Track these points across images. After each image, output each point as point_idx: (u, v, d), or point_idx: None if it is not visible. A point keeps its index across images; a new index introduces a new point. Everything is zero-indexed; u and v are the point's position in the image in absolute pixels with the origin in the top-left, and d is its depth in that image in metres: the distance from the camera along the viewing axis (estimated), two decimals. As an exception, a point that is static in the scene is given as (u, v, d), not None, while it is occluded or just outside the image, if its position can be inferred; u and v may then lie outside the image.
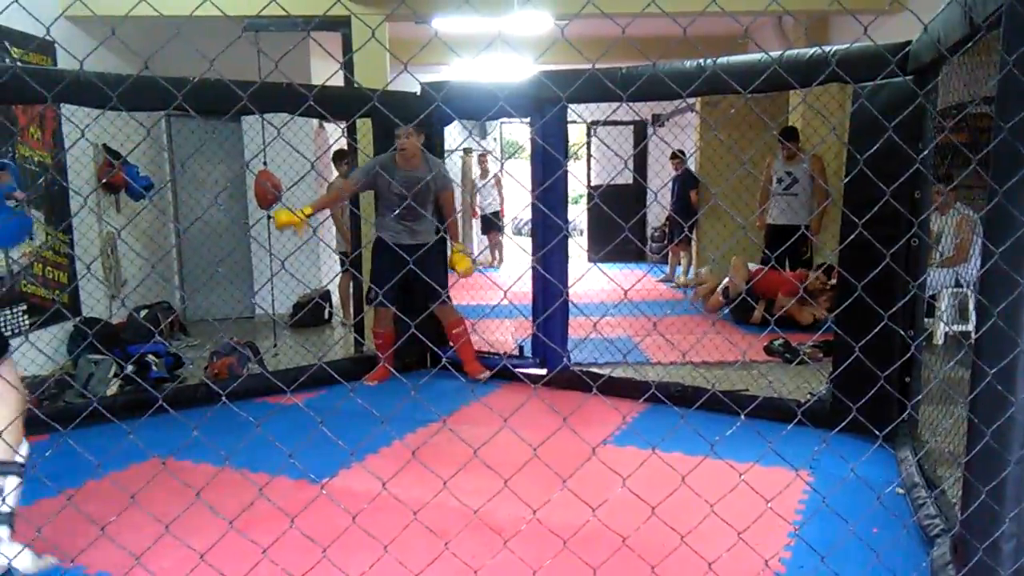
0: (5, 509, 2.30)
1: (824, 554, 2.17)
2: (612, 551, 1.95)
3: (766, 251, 6.59)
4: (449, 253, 4.78)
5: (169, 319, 5.92)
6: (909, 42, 3.27)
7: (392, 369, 4.69)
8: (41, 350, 4.74)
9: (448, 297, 4.64)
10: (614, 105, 5.16)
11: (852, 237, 3.15)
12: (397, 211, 4.49)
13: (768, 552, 2.41)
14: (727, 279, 6.88)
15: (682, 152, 8.66)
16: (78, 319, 5.28)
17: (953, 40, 2.64)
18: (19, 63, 4.69)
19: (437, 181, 4.53)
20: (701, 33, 8.36)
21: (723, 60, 3.67)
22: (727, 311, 6.73)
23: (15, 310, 4.78)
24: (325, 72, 7.03)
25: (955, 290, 5.47)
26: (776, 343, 5.37)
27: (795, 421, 2.97)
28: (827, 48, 3.55)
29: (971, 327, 4.77)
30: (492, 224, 11.30)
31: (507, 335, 5.89)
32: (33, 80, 3.41)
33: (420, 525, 2.49)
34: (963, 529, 1.59)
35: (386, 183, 4.42)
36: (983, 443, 1.48)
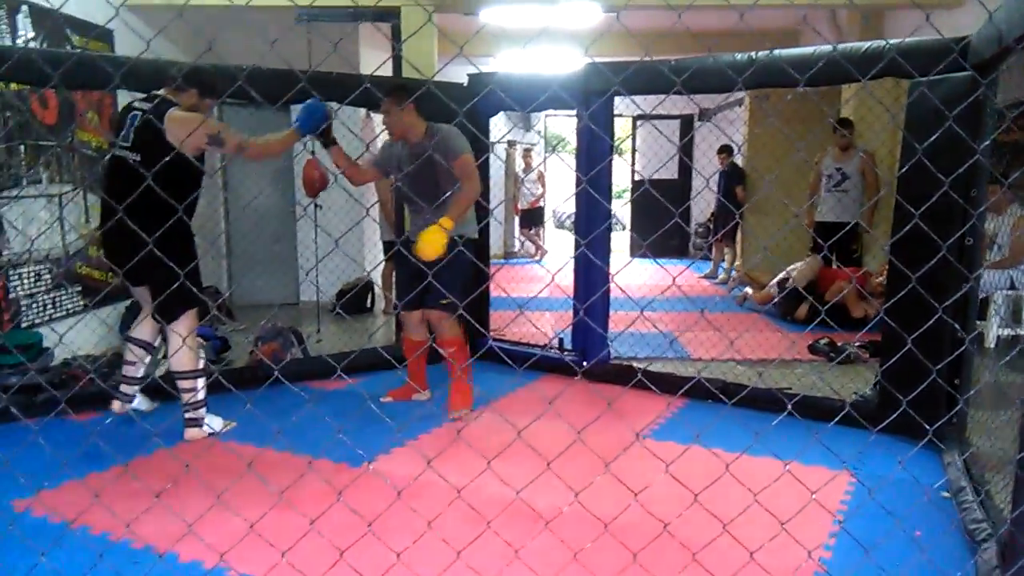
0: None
1: (868, 551, 2.14)
2: (652, 537, 1.95)
3: (815, 248, 6.50)
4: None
5: (217, 303, 6.04)
6: (967, 36, 3.20)
7: (417, 387, 4.18)
8: (96, 328, 4.89)
9: (453, 307, 3.70)
10: (661, 98, 5.13)
11: (905, 232, 3.10)
12: (409, 198, 3.99)
13: (811, 546, 2.39)
14: (785, 272, 6.78)
15: (729, 147, 8.57)
16: (130, 301, 5.42)
17: (1016, 35, 2.57)
18: (79, 50, 4.83)
19: (439, 148, 3.58)
20: (753, 26, 8.26)
21: (777, 52, 3.63)
22: (775, 301, 6.64)
23: (70, 291, 4.93)
24: (374, 62, 7.10)
25: (1009, 292, 5.33)
26: (821, 342, 5.29)
27: (841, 417, 2.94)
28: (881, 42, 3.48)
29: (1025, 330, 4.66)
30: (534, 218, 11.33)
31: (547, 327, 5.89)
32: (97, 66, 3.51)
33: (462, 506, 2.52)
34: (1013, 528, 1.56)
35: (394, 165, 3.96)
36: (1038, 442, 1.45)
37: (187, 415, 3.55)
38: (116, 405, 3.71)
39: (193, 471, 2.83)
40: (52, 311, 4.76)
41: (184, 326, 3.47)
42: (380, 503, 2.27)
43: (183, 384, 3.50)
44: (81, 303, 5.01)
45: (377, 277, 7.22)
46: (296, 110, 3.68)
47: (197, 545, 2.30)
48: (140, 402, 3.82)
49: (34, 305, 4.62)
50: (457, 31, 8.14)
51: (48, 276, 4.73)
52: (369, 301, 7.08)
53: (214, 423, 3.64)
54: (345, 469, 3.19)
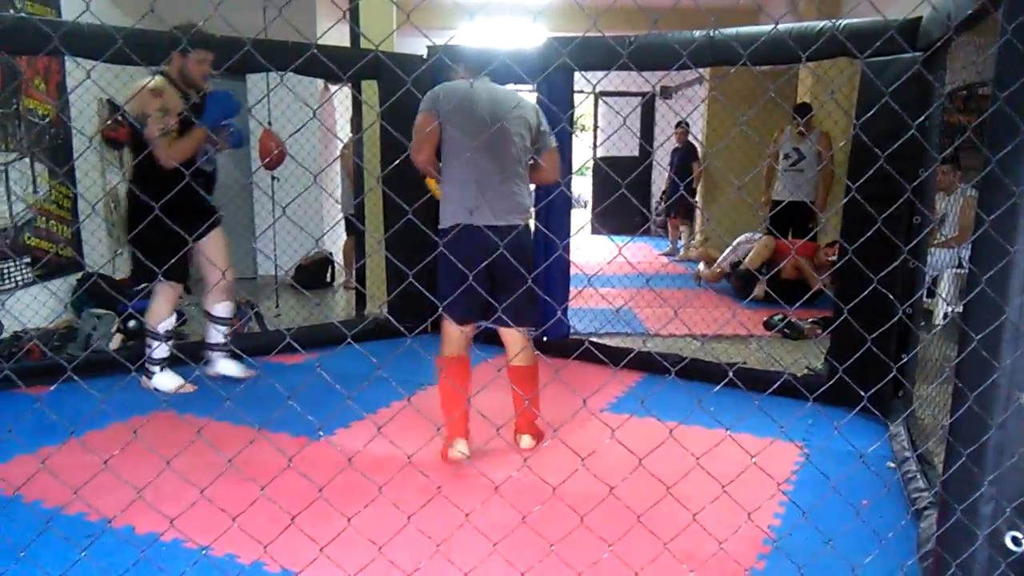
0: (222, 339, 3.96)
1: (815, 520, 2.21)
2: (599, 501, 2.00)
3: (770, 227, 6.61)
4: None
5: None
6: (919, 18, 3.26)
7: (467, 430, 3.01)
8: (46, 302, 4.79)
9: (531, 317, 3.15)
10: (621, 75, 5.12)
11: (855, 211, 3.17)
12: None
13: (758, 515, 2.46)
14: (732, 247, 6.87)
15: (687, 123, 8.64)
16: (81, 273, 5.32)
17: (962, 16, 2.63)
18: (24, 14, 4.68)
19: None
20: (714, 5, 8.30)
21: (732, 30, 3.66)
22: (727, 283, 6.75)
23: (19, 262, 4.81)
24: (332, 33, 7.00)
25: (956, 271, 5.48)
26: (776, 318, 5.41)
27: (789, 392, 3.02)
28: (837, 21, 3.54)
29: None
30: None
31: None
32: (36, 29, 3.41)
33: (414, 474, 2.55)
34: (943, 491, 1.63)
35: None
36: (966, 407, 1.51)
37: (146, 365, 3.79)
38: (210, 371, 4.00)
39: (149, 443, 2.81)
40: (1, 283, 4.65)
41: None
42: (334, 472, 2.28)
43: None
44: (31, 275, 4.91)
45: (336, 251, 7.18)
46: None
47: (152, 516, 2.30)
48: (228, 367, 4.01)
49: (-19, 277, 4.51)
50: (416, 2, 8.04)
51: (-4, 248, 4.62)
52: (329, 275, 7.04)
53: (164, 383, 3.76)
54: (304, 443, 3.20)
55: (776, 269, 6.13)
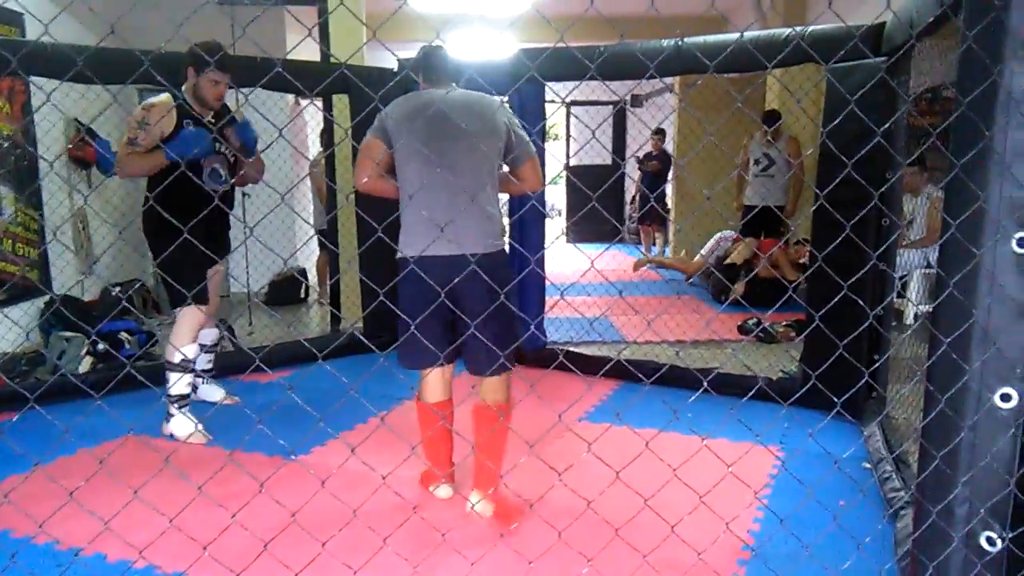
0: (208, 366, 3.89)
1: (791, 525, 2.21)
2: (576, 516, 1.98)
3: (742, 233, 6.67)
4: None
5: (142, 297, 5.87)
6: (883, 24, 3.30)
7: (452, 475, 2.83)
8: (12, 326, 4.70)
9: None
10: (592, 85, 5.16)
11: (825, 215, 3.20)
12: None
13: (737, 523, 2.46)
14: (712, 244, 6.90)
15: (662, 130, 8.70)
16: (49, 295, 5.23)
17: (925, 22, 2.67)
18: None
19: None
20: (681, 13, 8.36)
21: (699, 39, 3.69)
22: (702, 288, 6.78)
23: (-15, 286, 4.72)
24: (301, 48, 6.96)
25: (925, 271, 5.55)
26: (750, 322, 5.44)
27: (764, 396, 3.02)
28: (802, 28, 3.57)
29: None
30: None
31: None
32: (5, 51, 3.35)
33: (389, 494, 2.51)
34: (918, 493, 1.63)
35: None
36: (938, 410, 1.52)
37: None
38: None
39: (120, 469, 2.76)
40: (-35, 308, 4.56)
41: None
42: (309, 495, 2.25)
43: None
44: (-4, 299, 4.81)
45: (310, 267, 7.12)
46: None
47: (123, 544, 2.25)
48: (211, 393, 3.95)
49: (-55, 303, 4.41)
50: (384, 16, 8.03)
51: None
52: (303, 291, 6.98)
53: (179, 428, 3.46)
54: (279, 462, 3.15)
55: (754, 272, 6.17)
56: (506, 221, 2.91)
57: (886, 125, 2.87)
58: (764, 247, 6.49)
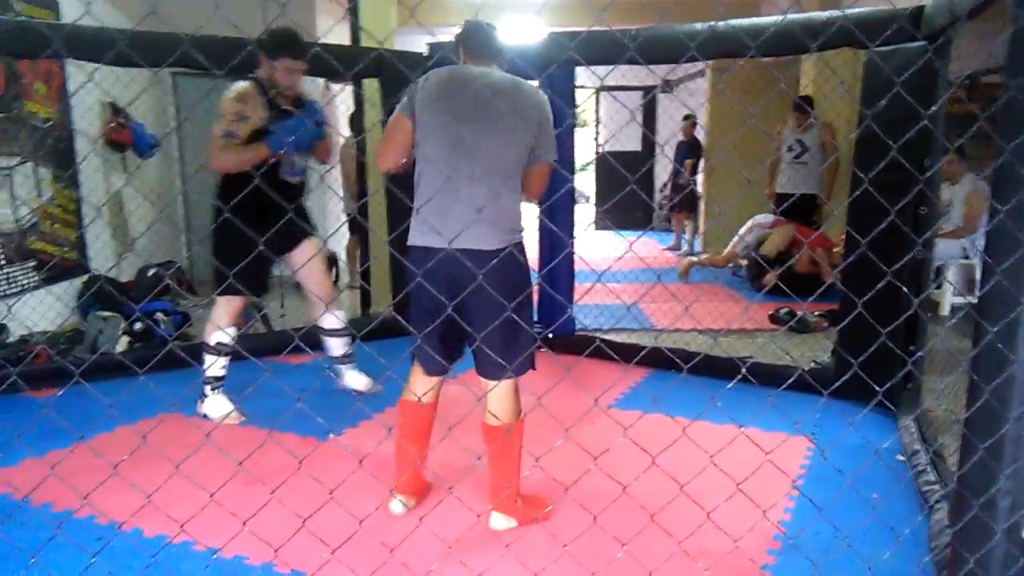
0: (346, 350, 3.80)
1: (825, 513, 2.20)
2: (611, 500, 1.98)
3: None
4: None
5: (177, 278, 5.96)
6: (922, 7, 3.23)
7: (420, 488, 2.65)
8: (53, 304, 4.79)
9: (525, 365, 2.46)
10: (622, 70, 5.10)
11: (861, 202, 3.16)
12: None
13: (770, 511, 2.45)
14: (743, 231, 6.79)
15: (694, 116, 8.61)
16: (87, 276, 5.32)
17: (966, 5, 2.61)
18: (23, 18, 4.67)
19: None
20: (714, -2, 8.25)
21: (734, 21, 3.64)
22: (746, 267, 6.69)
23: (24, 266, 4.81)
24: (331, 31, 6.98)
25: (962, 262, 5.46)
26: (782, 311, 5.39)
27: (796, 386, 3.00)
28: (837, 12, 3.51)
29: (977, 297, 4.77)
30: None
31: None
32: (36, 32, 3.39)
33: (425, 473, 2.54)
34: (959, 486, 1.61)
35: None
36: (982, 400, 1.50)
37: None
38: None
39: (157, 446, 2.80)
40: (6, 287, 4.65)
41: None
42: (344, 474, 2.27)
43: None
44: (36, 278, 4.90)
45: (340, 251, 7.16)
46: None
47: (161, 519, 2.29)
48: (354, 380, 3.85)
49: (-14, 282, 4.51)
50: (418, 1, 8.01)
51: (0, 252, 4.61)
52: (333, 275, 7.03)
53: (212, 409, 3.52)
54: (312, 443, 3.19)
55: (789, 263, 6.07)
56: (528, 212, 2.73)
57: (931, 110, 2.81)
58: (802, 240, 6.37)
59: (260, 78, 3.29)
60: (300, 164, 3.44)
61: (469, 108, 2.28)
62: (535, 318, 4.84)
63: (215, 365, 3.48)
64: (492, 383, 2.39)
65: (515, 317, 2.08)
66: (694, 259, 7.21)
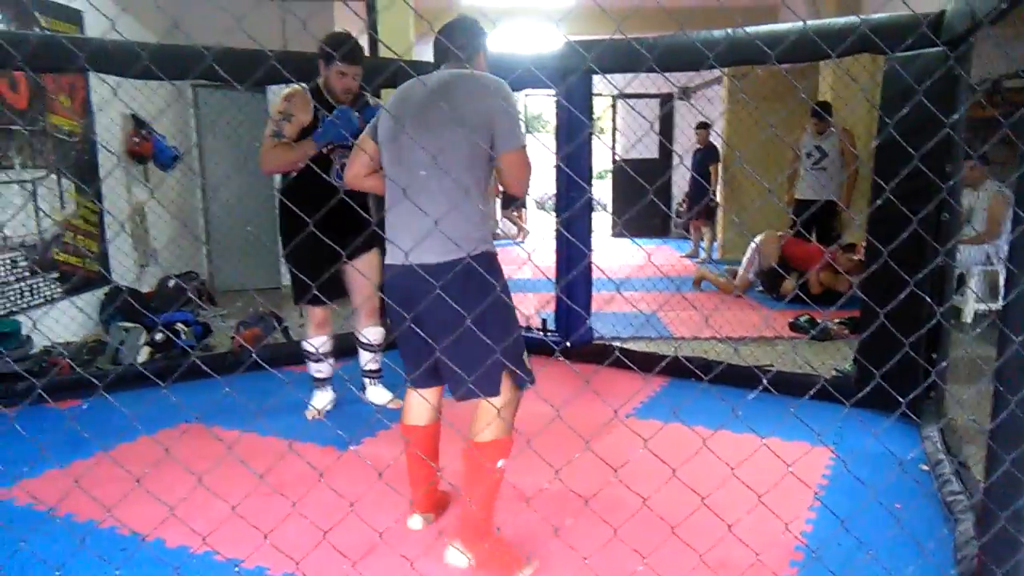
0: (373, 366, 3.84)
1: (847, 524, 2.18)
2: (632, 513, 1.97)
3: (800, 229, 6.53)
4: None
5: (197, 288, 6.01)
6: (942, 12, 3.21)
7: (436, 504, 2.59)
8: (75, 316, 4.84)
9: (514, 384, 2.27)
10: (640, 77, 5.10)
11: (882, 208, 3.13)
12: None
13: (791, 519, 2.43)
14: (750, 254, 6.75)
15: (708, 124, 8.58)
16: (108, 287, 5.38)
17: (988, 9, 2.59)
18: (47, 31, 4.74)
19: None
20: (731, 2, 8.24)
21: (752, 29, 3.63)
22: (758, 288, 6.66)
23: (47, 278, 4.87)
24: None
25: (985, 268, 5.40)
26: (802, 319, 5.35)
27: (816, 394, 2.97)
28: (856, 18, 3.49)
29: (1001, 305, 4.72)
30: (516, 199, 11.32)
31: (530, 308, 5.90)
32: (63, 47, 3.45)
33: (444, 485, 2.54)
34: (985, 498, 1.59)
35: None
36: (1008, 411, 1.48)
37: None
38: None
39: (177, 457, 2.83)
40: (29, 298, 4.71)
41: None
42: (364, 485, 2.28)
43: None
44: (59, 290, 4.96)
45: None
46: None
47: (184, 530, 2.31)
48: (376, 395, 3.89)
49: (10, 293, 4.57)
50: (436, 10, 8.06)
51: (24, 263, 4.67)
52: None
53: (316, 401, 3.75)
54: (332, 452, 3.20)
55: (805, 276, 6.02)
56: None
57: (954, 117, 2.78)
58: (808, 252, 6.28)
59: (317, 84, 3.36)
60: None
61: (408, 118, 2.21)
62: (535, 328, 4.85)
63: (312, 368, 3.73)
64: (477, 407, 2.24)
65: (475, 331, 1.94)
66: (708, 274, 7.13)
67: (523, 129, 2.19)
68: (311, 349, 3.66)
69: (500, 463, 2.21)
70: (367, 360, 3.84)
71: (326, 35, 3.30)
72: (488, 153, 2.16)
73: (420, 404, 2.46)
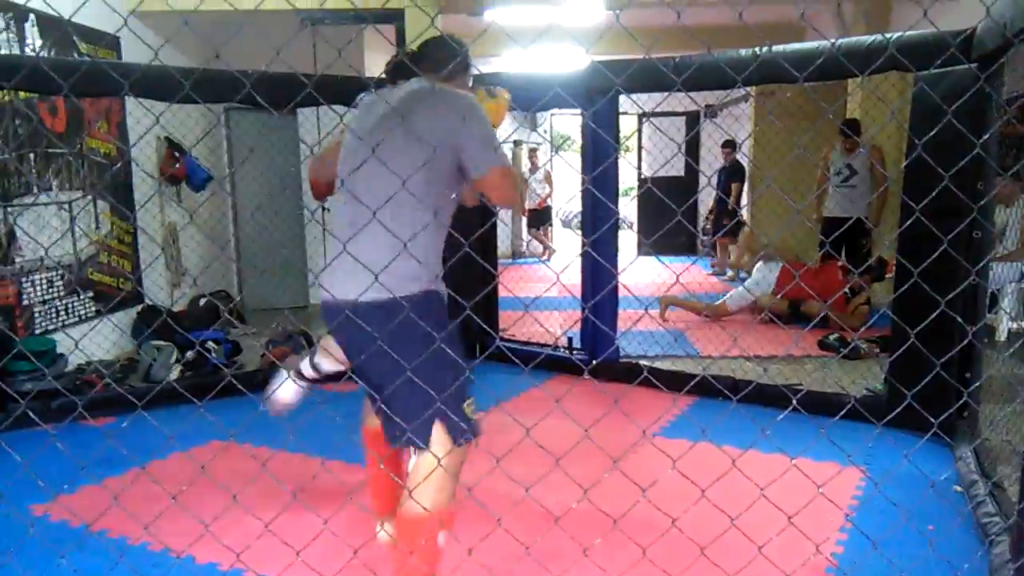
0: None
1: (879, 546, 2.15)
2: (661, 533, 1.96)
3: (822, 244, 6.48)
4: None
5: (228, 307, 6.09)
6: (973, 29, 3.19)
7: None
8: (109, 334, 4.93)
9: (450, 434, 1.97)
10: (665, 97, 5.11)
11: (913, 227, 3.11)
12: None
13: (822, 541, 2.40)
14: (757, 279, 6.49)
15: (733, 142, 8.57)
16: (142, 306, 5.47)
17: (1018, 27, 2.57)
18: (87, 57, 4.88)
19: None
20: (757, 21, 8.24)
21: (779, 47, 3.63)
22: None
23: (83, 297, 4.97)
24: (379, 65, 7.13)
25: (1020, 285, 5.31)
26: (831, 337, 5.29)
27: (846, 414, 2.94)
28: (887, 35, 3.48)
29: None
30: (542, 218, 11.36)
31: (556, 327, 5.91)
32: (107, 74, 3.55)
33: (473, 505, 2.54)
34: (1020, 519, 1.57)
35: None
36: (1044, 433, 1.46)
37: None
38: None
39: (209, 474, 2.86)
40: (65, 317, 4.81)
41: None
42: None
43: None
44: (94, 309, 5.06)
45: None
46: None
47: (214, 546, 2.33)
48: None
49: (47, 311, 4.67)
50: (462, 32, 8.14)
51: (60, 283, 4.78)
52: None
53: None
54: (358, 470, 3.21)
55: (817, 318, 5.86)
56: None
57: (985, 136, 2.76)
58: (827, 277, 6.14)
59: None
60: None
61: (353, 141, 2.05)
62: (561, 347, 4.84)
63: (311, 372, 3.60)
64: (415, 457, 2.01)
65: (401, 376, 1.83)
66: (677, 299, 6.71)
67: (497, 145, 1.97)
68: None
69: (440, 538, 1.93)
70: None
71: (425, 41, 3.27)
72: (449, 179, 1.96)
73: (368, 408, 2.36)
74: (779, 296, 6.11)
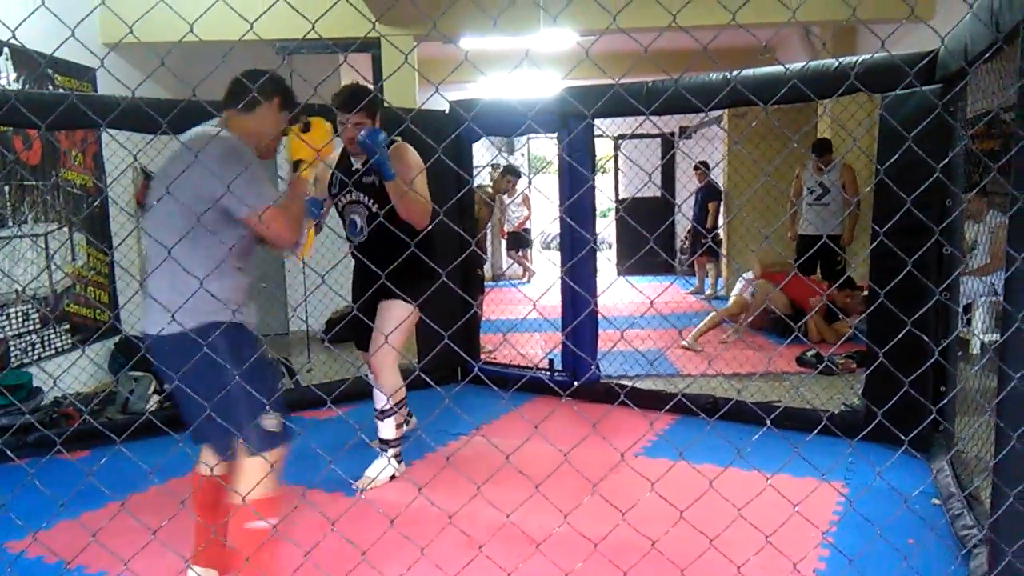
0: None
1: (859, 564, 2.17)
2: (642, 555, 1.98)
3: (794, 262, 6.55)
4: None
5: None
6: (936, 51, 3.28)
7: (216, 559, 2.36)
8: (85, 366, 4.88)
9: (247, 443, 2.20)
10: (641, 119, 5.19)
11: (881, 247, 3.17)
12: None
13: (802, 558, 2.42)
14: (742, 290, 6.57)
15: (705, 164, 8.68)
16: (119, 337, 5.42)
17: (980, 48, 2.65)
18: (62, 90, 4.87)
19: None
20: (726, 46, 8.39)
21: (747, 72, 3.71)
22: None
23: (59, 329, 4.93)
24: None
25: (991, 299, 5.40)
26: (808, 354, 5.35)
27: (823, 430, 2.97)
28: (851, 59, 3.57)
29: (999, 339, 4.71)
30: (521, 240, 11.40)
31: (537, 349, 5.92)
32: (85, 107, 3.56)
33: (455, 532, 2.53)
34: (992, 532, 1.60)
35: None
36: (1010, 447, 1.49)
37: None
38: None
39: (188, 508, 2.83)
40: (41, 350, 4.76)
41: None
42: (374, 532, 2.29)
43: None
44: (70, 341, 5.01)
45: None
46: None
47: (193, 581, 2.31)
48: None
49: (23, 345, 4.62)
50: (437, 59, 8.22)
51: (36, 315, 4.73)
52: (359, 329, 7.09)
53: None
54: (340, 499, 3.20)
55: (803, 321, 5.98)
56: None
57: (947, 158, 2.83)
58: (805, 291, 6.24)
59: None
60: (359, 225, 3.39)
61: (159, 175, 2.27)
62: (541, 369, 4.85)
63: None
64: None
65: (196, 400, 2.03)
66: (700, 333, 6.74)
67: (261, 188, 2.10)
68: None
69: (260, 523, 2.12)
70: (380, 400, 3.54)
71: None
72: (220, 223, 2.11)
73: (204, 453, 2.45)
74: (779, 288, 6.20)
